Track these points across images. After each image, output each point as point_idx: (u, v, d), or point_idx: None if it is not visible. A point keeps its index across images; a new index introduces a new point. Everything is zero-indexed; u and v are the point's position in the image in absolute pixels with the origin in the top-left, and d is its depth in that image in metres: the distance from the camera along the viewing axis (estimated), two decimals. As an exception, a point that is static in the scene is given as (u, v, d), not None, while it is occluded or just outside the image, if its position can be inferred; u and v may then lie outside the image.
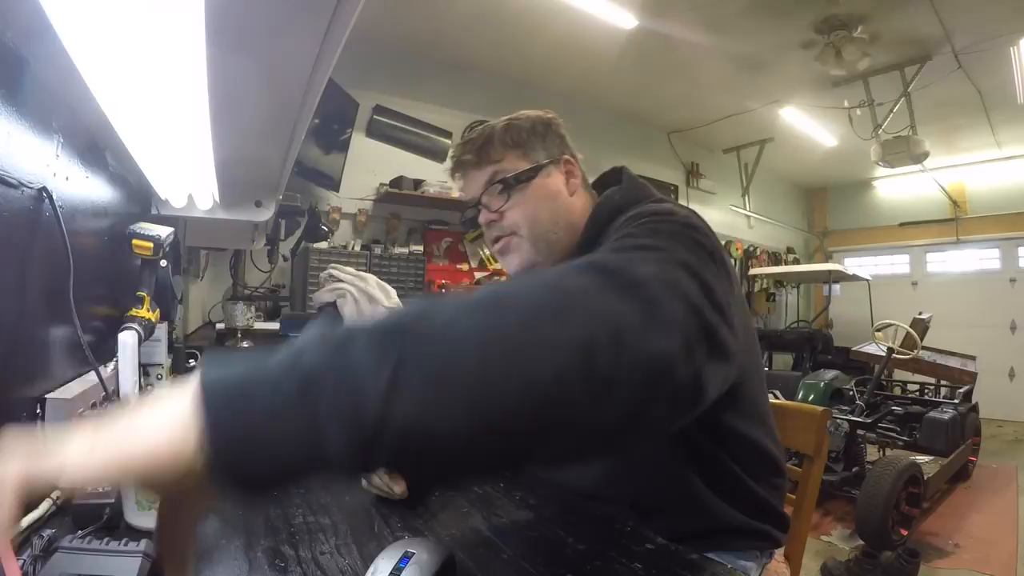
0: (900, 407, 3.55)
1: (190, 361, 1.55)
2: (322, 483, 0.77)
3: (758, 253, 6.10)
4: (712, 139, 5.45)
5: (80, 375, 0.83)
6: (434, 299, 0.38)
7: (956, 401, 3.57)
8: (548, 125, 0.88)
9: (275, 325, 2.41)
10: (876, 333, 3.71)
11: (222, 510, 0.71)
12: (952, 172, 5.86)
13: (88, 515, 0.62)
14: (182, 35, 0.61)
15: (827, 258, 7.00)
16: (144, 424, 0.32)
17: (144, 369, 1.25)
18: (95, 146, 1.00)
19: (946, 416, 3.17)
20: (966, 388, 3.81)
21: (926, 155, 4.25)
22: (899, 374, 4.37)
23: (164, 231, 1.05)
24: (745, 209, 6.01)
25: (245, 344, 2.19)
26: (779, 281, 6.15)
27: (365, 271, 1.15)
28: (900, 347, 3.49)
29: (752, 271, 5.64)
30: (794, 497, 1.00)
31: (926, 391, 4.16)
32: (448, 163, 0.94)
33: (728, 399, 0.75)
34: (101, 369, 0.79)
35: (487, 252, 3.83)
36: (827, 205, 7.21)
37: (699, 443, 0.78)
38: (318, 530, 0.65)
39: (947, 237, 6.13)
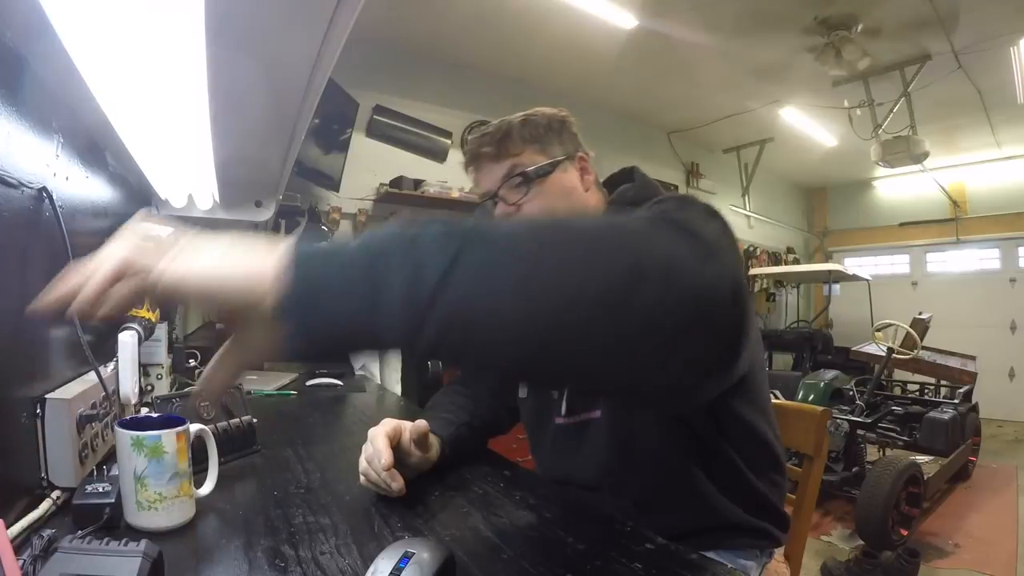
0: (900, 407, 3.55)
1: (190, 361, 1.55)
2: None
3: (758, 253, 6.09)
4: (712, 139, 5.44)
5: (80, 375, 0.83)
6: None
7: (956, 401, 3.57)
8: (563, 122, 0.90)
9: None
10: (876, 333, 3.71)
11: (222, 510, 0.71)
12: (952, 172, 5.86)
13: (88, 515, 0.62)
14: (182, 35, 0.61)
15: (827, 258, 7.00)
16: (243, 253, 0.37)
17: (144, 369, 1.26)
18: (95, 146, 1.00)
19: (946, 416, 3.17)
20: (966, 388, 3.81)
21: (926, 155, 4.25)
22: (899, 374, 4.37)
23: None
24: (745, 209, 6.01)
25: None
26: (779, 281, 6.14)
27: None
28: (900, 347, 3.49)
29: (752, 271, 5.63)
30: (794, 497, 1.00)
31: (926, 391, 4.16)
32: (462, 156, 0.94)
33: (737, 385, 0.75)
34: (101, 369, 0.79)
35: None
36: (827, 205, 7.21)
37: (702, 435, 0.79)
38: (318, 530, 0.65)
39: (947, 237, 6.13)
